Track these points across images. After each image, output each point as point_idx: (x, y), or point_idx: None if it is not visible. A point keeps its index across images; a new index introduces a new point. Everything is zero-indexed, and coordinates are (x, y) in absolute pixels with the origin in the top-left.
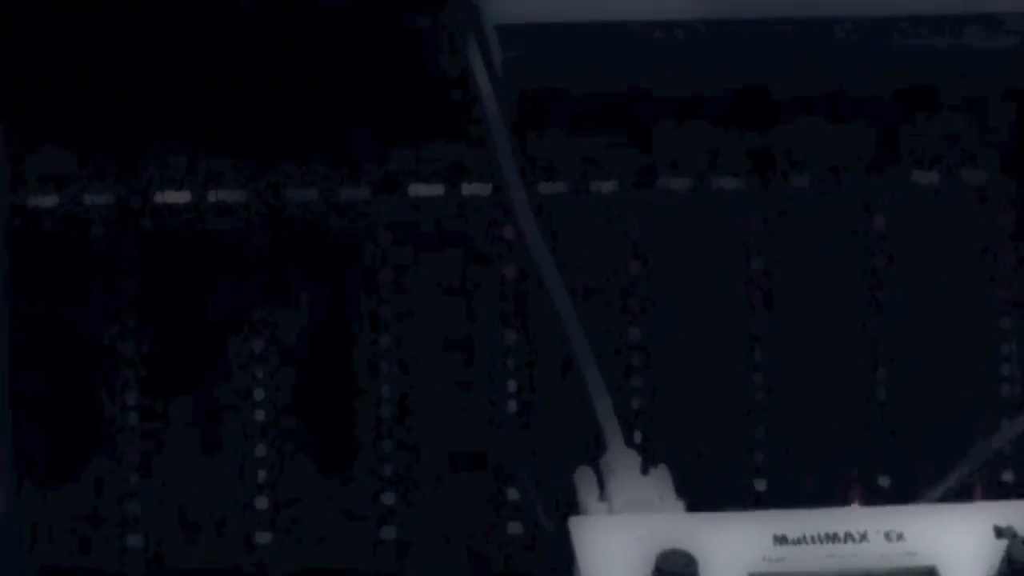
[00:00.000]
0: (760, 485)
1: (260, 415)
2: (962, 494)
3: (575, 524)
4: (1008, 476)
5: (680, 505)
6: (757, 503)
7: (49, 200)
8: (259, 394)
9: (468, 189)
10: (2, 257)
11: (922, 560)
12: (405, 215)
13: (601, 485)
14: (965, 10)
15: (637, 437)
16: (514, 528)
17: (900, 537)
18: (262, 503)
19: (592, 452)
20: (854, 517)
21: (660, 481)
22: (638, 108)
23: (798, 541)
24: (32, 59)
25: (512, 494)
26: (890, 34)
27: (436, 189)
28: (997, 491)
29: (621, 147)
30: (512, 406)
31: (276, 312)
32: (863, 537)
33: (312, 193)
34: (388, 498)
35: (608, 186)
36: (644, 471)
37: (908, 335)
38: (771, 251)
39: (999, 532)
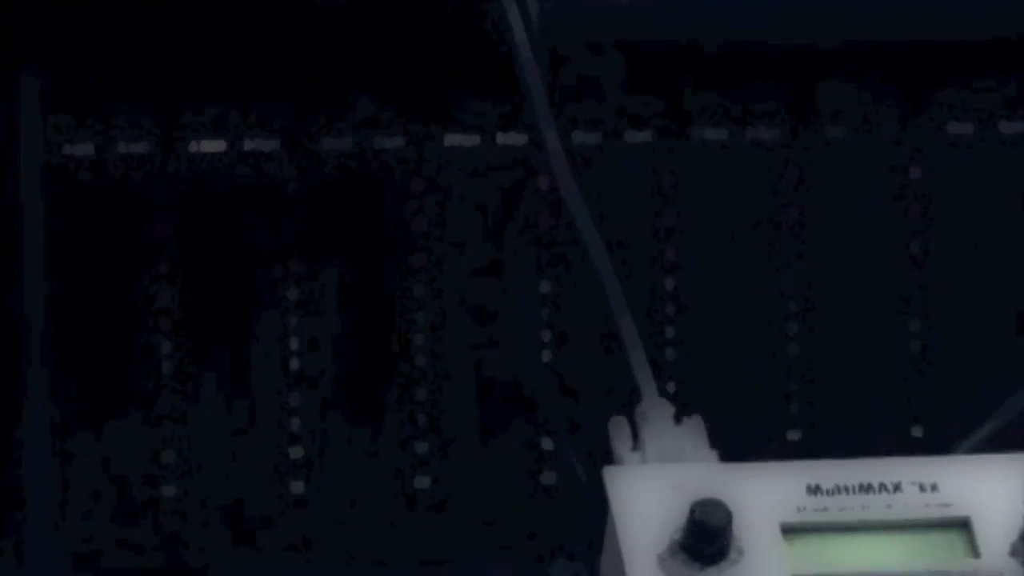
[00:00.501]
0: (793, 435)
1: (295, 364)
2: (997, 445)
3: (609, 473)
4: None
5: (714, 455)
6: (791, 453)
7: (84, 149)
8: (293, 343)
9: (503, 139)
10: (38, 206)
11: (956, 511)
12: (440, 165)
13: (635, 435)
14: None
15: (671, 387)
16: (549, 478)
17: (934, 488)
18: (296, 452)
19: (626, 402)
20: (888, 467)
21: (694, 431)
22: (672, 59)
23: (831, 491)
24: (66, 8)
25: (547, 443)
26: None
27: (471, 139)
28: None
29: (655, 98)
30: (547, 356)
31: (310, 261)
32: (897, 488)
33: (347, 143)
34: (421, 447)
35: (642, 136)
36: (678, 421)
37: (942, 286)
38: (805, 202)
39: None
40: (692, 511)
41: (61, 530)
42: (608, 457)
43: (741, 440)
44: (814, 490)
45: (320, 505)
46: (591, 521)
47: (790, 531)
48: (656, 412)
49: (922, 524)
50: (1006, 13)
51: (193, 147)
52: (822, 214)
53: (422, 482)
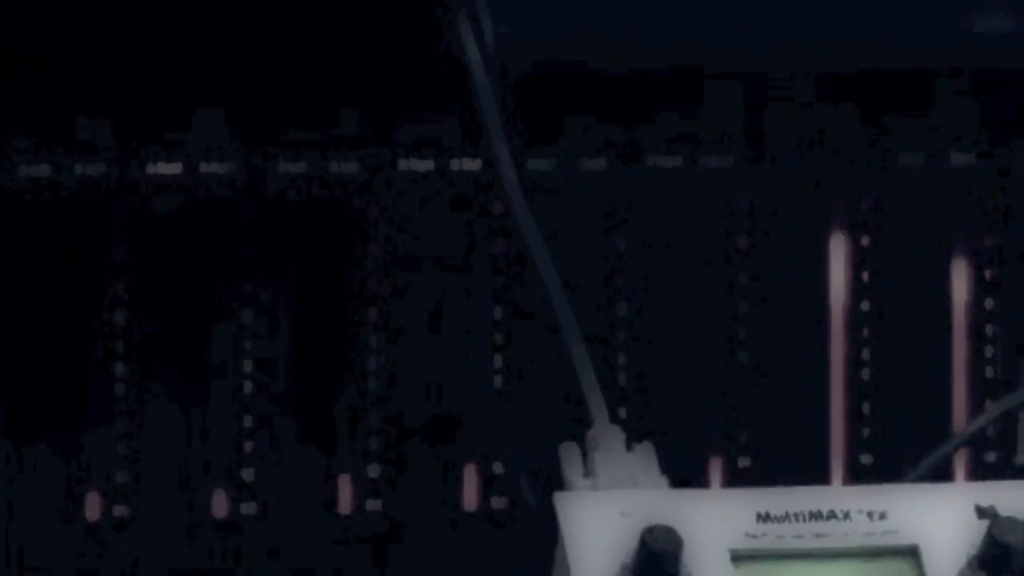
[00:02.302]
0: (743, 462)
1: (248, 387)
2: (944, 474)
3: (560, 499)
4: (990, 457)
5: (664, 481)
6: (741, 480)
7: (40, 170)
8: (247, 366)
9: (457, 164)
10: None
11: (904, 539)
12: (394, 190)
13: (586, 461)
14: None
15: (622, 413)
16: (499, 503)
17: (883, 516)
18: (248, 475)
19: (577, 428)
20: (837, 495)
21: (644, 457)
22: (626, 85)
23: (781, 518)
24: (23, 30)
25: (497, 469)
26: (875, 13)
27: (426, 164)
28: (979, 472)
29: (610, 124)
30: (498, 381)
31: (265, 284)
32: (846, 515)
33: (302, 167)
34: (373, 471)
35: (596, 163)
36: (629, 447)
37: (891, 316)
38: (756, 229)
39: (981, 512)
40: (642, 537)
41: (11, 547)
42: (559, 483)
43: (692, 467)
44: (764, 517)
45: (271, 526)
46: (542, 547)
47: (739, 558)
48: (607, 438)
49: (871, 551)
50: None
51: (150, 169)
52: (773, 242)
53: (373, 505)
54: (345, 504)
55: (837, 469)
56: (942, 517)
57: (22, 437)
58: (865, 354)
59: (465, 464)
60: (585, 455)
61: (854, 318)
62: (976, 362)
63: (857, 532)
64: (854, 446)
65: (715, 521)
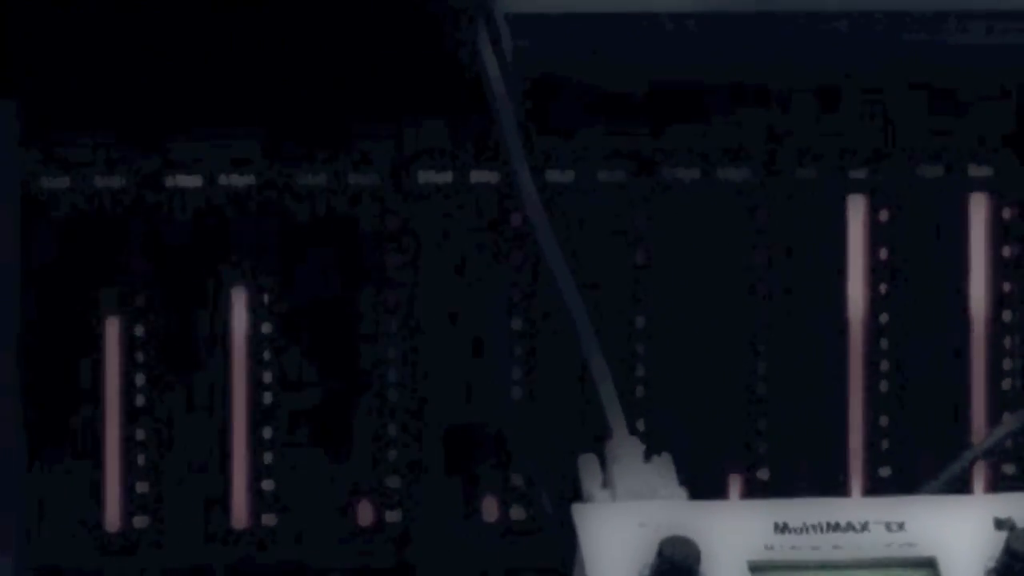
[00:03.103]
0: (762, 474)
1: (267, 398)
2: (962, 486)
3: (578, 511)
4: (1008, 469)
5: (682, 493)
6: (759, 492)
7: (61, 182)
8: (267, 377)
9: (476, 176)
10: (15, 239)
11: (922, 551)
12: (414, 200)
13: (604, 472)
14: (969, 6)
15: (641, 425)
16: (517, 514)
17: (901, 527)
18: (268, 485)
19: (596, 439)
20: (855, 507)
21: (663, 469)
22: (645, 98)
23: (799, 530)
24: (48, 43)
25: (516, 480)
26: (894, 28)
27: (445, 176)
28: (997, 483)
29: (628, 137)
30: (517, 393)
31: (283, 296)
32: (864, 527)
33: (321, 178)
34: (393, 482)
35: (615, 175)
36: (647, 459)
37: (909, 327)
38: (775, 242)
39: (999, 524)
40: (661, 549)
41: (33, 558)
42: (577, 494)
43: (710, 478)
44: (782, 528)
45: (292, 537)
46: (560, 558)
47: (758, 569)
48: (626, 450)
49: (889, 563)
50: (978, 57)
51: (169, 181)
52: (792, 254)
53: (393, 516)
54: (364, 515)
55: (855, 481)
56: (960, 529)
57: (48, 445)
58: (883, 366)
59: (484, 475)
60: (604, 466)
61: (872, 330)
62: (994, 374)
63: (875, 544)
64: (872, 458)
65: (733, 533)
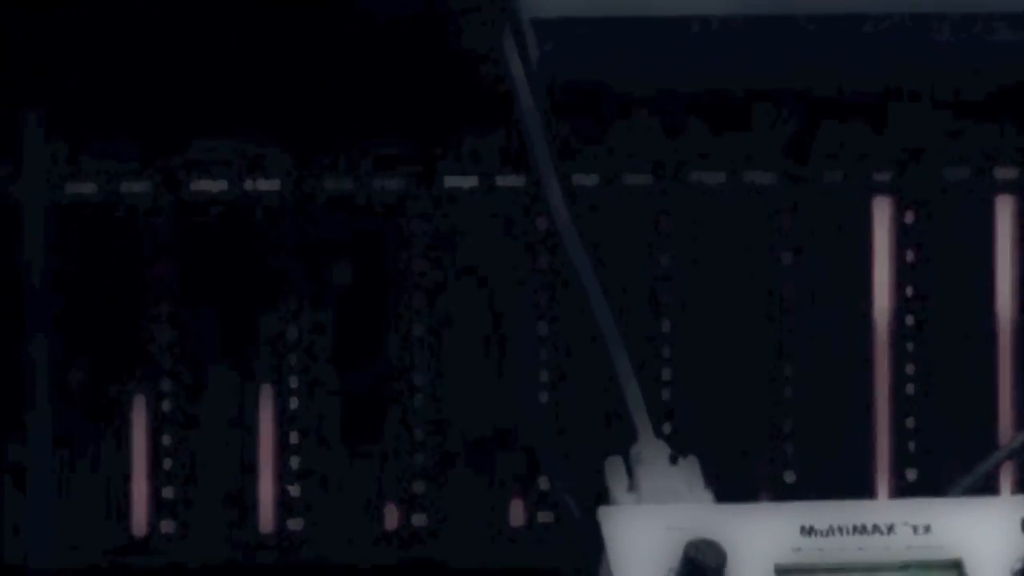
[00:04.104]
0: (789, 477)
1: (294, 403)
2: (989, 488)
3: (604, 514)
4: None
5: (708, 496)
6: (785, 494)
7: (87, 188)
8: (293, 382)
9: (503, 180)
10: (40, 245)
11: (949, 553)
12: (440, 206)
13: (630, 475)
14: (995, 8)
15: (666, 428)
16: (544, 517)
17: (927, 530)
18: (295, 490)
19: (622, 443)
20: (881, 509)
21: (689, 472)
22: (671, 102)
23: (826, 533)
24: (73, 50)
25: (543, 483)
26: (920, 30)
27: (471, 180)
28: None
29: (654, 140)
30: (544, 396)
31: (310, 300)
32: (890, 529)
33: (348, 183)
34: (419, 486)
35: (641, 179)
36: (673, 462)
37: (937, 330)
38: (801, 246)
39: None
40: (686, 552)
41: (57, 558)
42: (604, 497)
43: (736, 481)
44: (808, 531)
45: (318, 542)
46: (586, 561)
47: (784, 572)
48: (652, 453)
49: (915, 565)
50: (1006, 59)
51: (195, 186)
52: (818, 258)
53: (419, 520)
54: (391, 520)
55: (882, 483)
56: (987, 531)
57: (76, 447)
58: (910, 368)
59: (511, 479)
60: (630, 470)
61: (898, 332)
62: (1021, 376)
63: (902, 546)
64: (899, 460)
65: (760, 535)
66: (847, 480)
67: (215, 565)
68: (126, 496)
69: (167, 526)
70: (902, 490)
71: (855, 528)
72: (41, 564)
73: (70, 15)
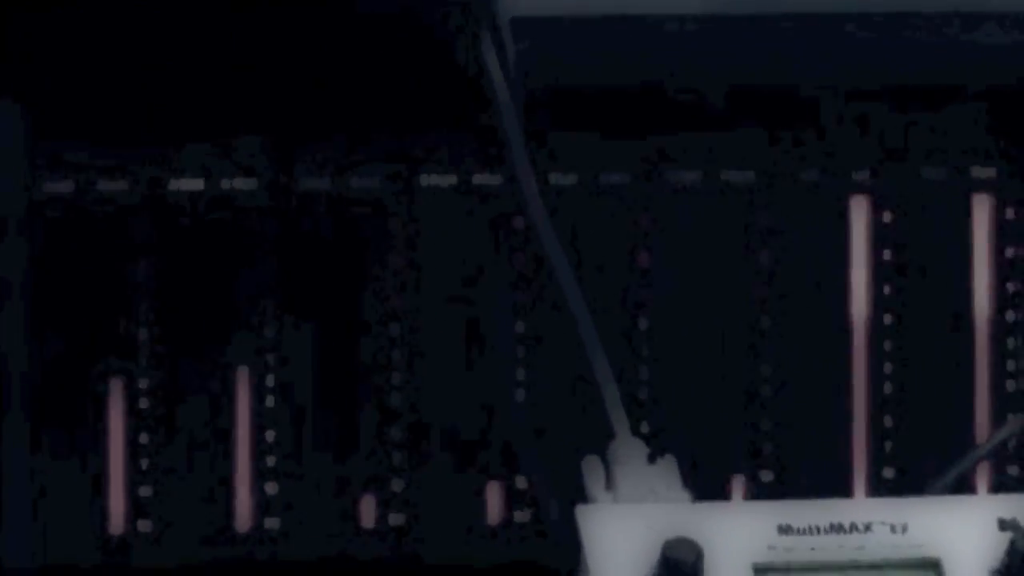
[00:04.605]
0: (766, 476)
1: (270, 401)
2: (966, 487)
3: (582, 512)
4: (1013, 470)
5: (686, 495)
6: (762, 494)
7: (64, 187)
8: (269, 380)
9: (479, 179)
10: (21, 243)
11: (927, 552)
12: (416, 204)
13: (608, 474)
14: (977, 8)
15: (644, 427)
16: (521, 516)
17: (904, 529)
18: (272, 488)
19: (600, 442)
20: (859, 508)
21: (666, 471)
22: (648, 101)
23: (803, 531)
24: (52, 46)
25: (520, 482)
26: (900, 30)
27: (448, 179)
28: (1001, 484)
29: (631, 140)
30: (521, 395)
31: (287, 299)
32: (867, 528)
33: (325, 182)
34: (397, 485)
35: (617, 178)
36: (651, 461)
37: (912, 328)
38: (778, 244)
39: (1003, 525)
40: (664, 550)
41: (36, 561)
42: (581, 496)
43: (713, 480)
44: (786, 530)
45: (294, 541)
46: (564, 560)
47: (762, 571)
48: (629, 452)
49: (893, 564)
50: (985, 58)
51: (172, 185)
52: (795, 257)
53: (396, 518)
54: (368, 518)
55: (859, 483)
56: (964, 530)
57: (49, 447)
58: (887, 368)
59: (488, 478)
60: (607, 468)
61: (876, 332)
62: (998, 375)
63: (879, 545)
64: (876, 459)
65: (737, 534)
66: (824, 479)
67: (193, 564)
68: (103, 495)
69: (144, 525)
70: (879, 489)
71: (832, 527)
72: (18, 564)
73: (48, 12)
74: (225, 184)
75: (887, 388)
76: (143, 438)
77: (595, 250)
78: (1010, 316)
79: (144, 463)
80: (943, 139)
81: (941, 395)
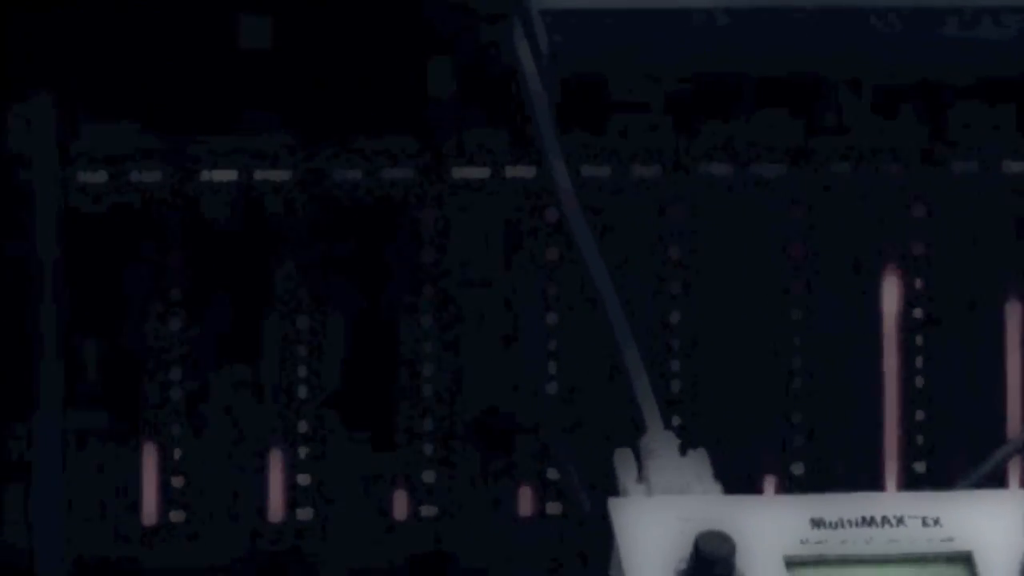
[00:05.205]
0: (797, 469)
1: (303, 392)
2: (998, 481)
3: (614, 505)
4: None
5: (718, 487)
6: (794, 487)
7: (98, 177)
8: (302, 371)
9: (512, 171)
10: (51, 233)
11: (958, 545)
12: (449, 196)
13: (640, 467)
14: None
15: (676, 420)
16: (554, 508)
17: (937, 522)
18: (304, 480)
19: (631, 434)
20: (891, 502)
21: (698, 463)
22: (679, 93)
23: (835, 525)
24: (85, 36)
25: (552, 474)
26: (932, 25)
27: (481, 171)
28: None
29: (663, 132)
30: (553, 387)
31: (320, 290)
32: (900, 521)
33: (357, 174)
34: (428, 476)
35: (650, 170)
36: (683, 453)
37: (945, 321)
38: (810, 237)
39: None
40: (696, 543)
41: (67, 550)
42: (613, 489)
43: (745, 473)
44: (818, 523)
45: (327, 532)
46: (596, 553)
47: (793, 564)
48: (661, 444)
49: (925, 558)
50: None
51: (205, 176)
52: (826, 250)
53: (428, 511)
54: (400, 510)
55: (890, 477)
56: (996, 524)
57: (86, 438)
58: (918, 362)
59: (520, 470)
60: (639, 461)
61: (907, 326)
62: None
63: (911, 539)
64: (908, 453)
65: (769, 527)
66: (856, 472)
67: (225, 555)
68: (136, 486)
69: (177, 516)
70: (911, 483)
71: (864, 520)
72: (50, 555)
73: (81, 4)
74: (258, 175)
75: (919, 382)
76: (175, 430)
77: (627, 242)
78: None
79: (176, 454)
80: (975, 133)
81: (973, 389)
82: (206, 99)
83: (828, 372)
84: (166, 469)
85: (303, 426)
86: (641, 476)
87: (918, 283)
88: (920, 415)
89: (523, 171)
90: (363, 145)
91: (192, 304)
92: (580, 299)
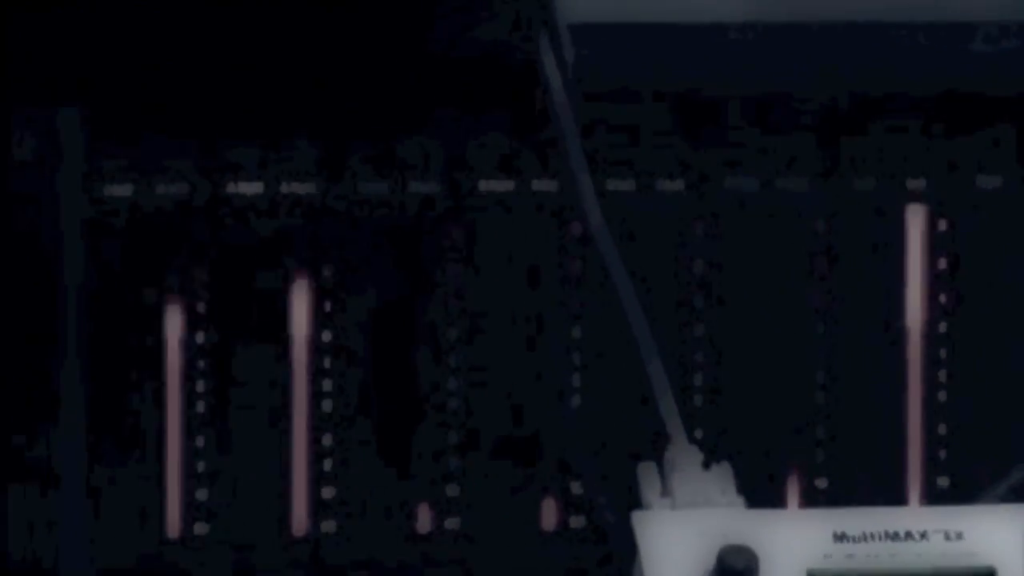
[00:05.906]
0: (821, 483)
1: (327, 405)
2: (1021, 495)
3: (638, 519)
4: None
5: (741, 501)
6: (818, 501)
7: (123, 190)
8: (326, 385)
9: (537, 185)
10: (78, 246)
11: (981, 560)
12: (475, 210)
13: (664, 481)
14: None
15: (699, 434)
16: (577, 522)
17: (960, 537)
18: (328, 493)
19: (655, 448)
20: (914, 516)
21: (722, 477)
22: (705, 107)
23: (858, 539)
24: (111, 51)
25: (576, 488)
26: (949, 39)
27: (506, 184)
28: None
29: (688, 146)
30: (577, 401)
31: (345, 304)
32: (923, 536)
33: (382, 187)
34: (452, 490)
35: (674, 184)
36: (706, 467)
37: (970, 337)
38: (835, 252)
39: None
40: (719, 556)
41: (92, 562)
42: (637, 502)
43: (769, 487)
44: (841, 537)
45: (351, 544)
46: (620, 566)
47: None
48: (685, 458)
49: (947, 572)
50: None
51: (230, 188)
52: (851, 264)
53: (452, 523)
54: (424, 523)
55: (914, 491)
56: (1019, 539)
57: (110, 450)
58: (942, 376)
59: (544, 484)
60: (663, 475)
61: (931, 339)
62: None
63: (934, 553)
64: (931, 467)
65: (792, 541)
66: (879, 487)
67: (248, 567)
68: (160, 498)
69: (200, 528)
70: (934, 497)
71: (887, 535)
72: (76, 568)
73: (107, 15)
74: (284, 188)
75: (942, 396)
76: (199, 441)
77: (651, 256)
78: None
79: (200, 466)
80: (998, 148)
81: (996, 403)
82: (231, 112)
83: (851, 386)
84: (190, 481)
85: (327, 439)
86: (665, 490)
87: (942, 297)
88: (943, 429)
89: (548, 185)
90: (388, 158)
91: (215, 316)
92: (604, 313)
